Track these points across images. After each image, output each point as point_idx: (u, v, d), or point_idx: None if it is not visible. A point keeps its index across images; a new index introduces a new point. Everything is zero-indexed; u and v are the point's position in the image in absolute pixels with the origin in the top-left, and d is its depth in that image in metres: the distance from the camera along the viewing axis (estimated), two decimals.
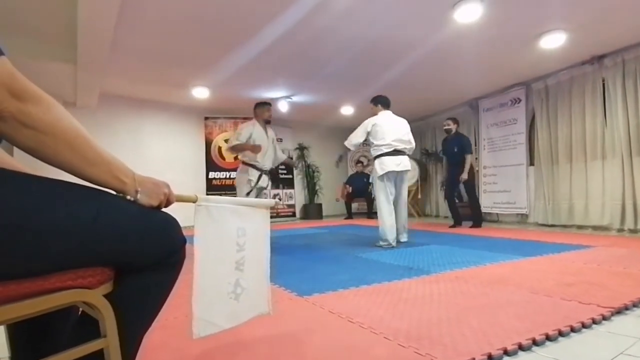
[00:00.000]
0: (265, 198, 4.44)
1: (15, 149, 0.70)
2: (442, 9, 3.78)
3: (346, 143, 4.20)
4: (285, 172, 8.77)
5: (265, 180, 4.29)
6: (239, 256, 1.11)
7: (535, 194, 6.11)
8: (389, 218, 3.96)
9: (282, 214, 8.59)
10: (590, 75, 5.28)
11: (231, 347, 1.41)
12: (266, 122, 4.29)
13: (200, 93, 6.47)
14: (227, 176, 7.58)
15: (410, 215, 8.49)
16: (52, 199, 0.67)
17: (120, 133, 6.82)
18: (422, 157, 8.76)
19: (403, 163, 4.10)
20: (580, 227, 5.39)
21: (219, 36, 4.32)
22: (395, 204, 4.14)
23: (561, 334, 1.45)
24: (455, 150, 5.77)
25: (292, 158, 4.52)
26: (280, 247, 4.10)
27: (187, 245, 0.87)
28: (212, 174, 7.69)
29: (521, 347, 1.34)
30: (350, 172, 9.32)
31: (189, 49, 4.70)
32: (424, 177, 8.52)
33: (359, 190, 8.37)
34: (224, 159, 7.75)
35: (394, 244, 3.92)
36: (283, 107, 7.09)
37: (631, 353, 1.28)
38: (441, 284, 2.27)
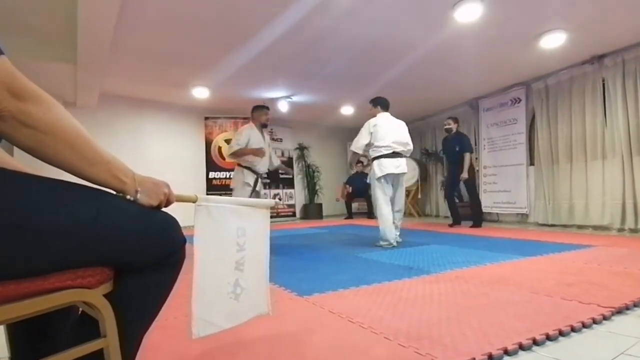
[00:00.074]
0: (264, 197, 4.46)
1: (16, 149, 0.70)
2: (442, 9, 3.78)
3: (353, 148, 4.17)
4: (285, 171, 8.77)
5: (259, 184, 4.31)
6: (238, 256, 1.11)
7: (536, 194, 6.11)
8: (389, 218, 3.98)
9: (282, 213, 8.60)
10: (591, 75, 5.28)
11: (231, 347, 1.41)
12: (263, 126, 4.30)
13: (200, 93, 6.47)
14: (227, 176, 7.58)
15: (410, 215, 8.55)
16: (52, 198, 0.67)
17: (120, 133, 6.82)
18: (422, 157, 8.76)
19: (401, 166, 4.11)
20: (580, 226, 5.39)
21: (219, 36, 4.32)
22: (392, 205, 4.16)
23: (561, 333, 1.45)
24: (457, 149, 5.77)
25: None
26: (280, 247, 4.10)
27: (187, 245, 0.87)
28: (212, 174, 7.69)
29: (521, 347, 1.34)
30: (351, 172, 9.32)
31: (189, 49, 4.70)
32: (424, 177, 8.52)
33: (359, 190, 8.37)
34: (224, 159, 7.75)
35: (394, 243, 3.93)
36: (283, 107, 7.09)
37: (632, 353, 1.28)
38: (441, 284, 2.27)
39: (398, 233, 4.19)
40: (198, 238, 1.01)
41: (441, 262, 2.97)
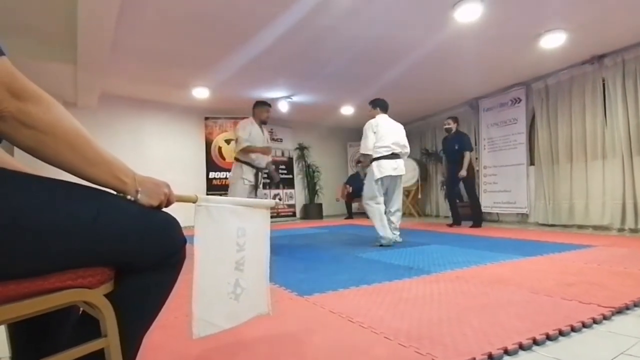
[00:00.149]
0: (264, 197, 4.46)
1: (16, 149, 0.70)
2: (442, 9, 3.78)
3: (363, 151, 4.16)
4: (285, 172, 8.78)
5: (259, 179, 4.30)
6: (238, 256, 1.11)
7: (536, 194, 6.11)
8: (383, 217, 4.05)
9: (283, 213, 8.60)
10: (591, 75, 5.28)
11: (231, 347, 1.41)
12: (262, 123, 4.30)
13: (201, 93, 6.47)
14: (228, 176, 7.58)
15: (410, 215, 8.55)
16: (52, 198, 0.67)
17: (121, 133, 6.82)
18: (422, 157, 8.76)
19: (400, 167, 4.15)
20: (580, 226, 5.39)
21: (219, 36, 4.32)
22: (391, 206, 4.22)
23: (562, 333, 1.45)
24: (456, 147, 5.78)
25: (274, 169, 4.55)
26: (280, 247, 4.10)
27: (187, 245, 0.87)
28: (212, 174, 7.70)
29: (522, 347, 1.34)
30: (351, 172, 9.33)
31: (189, 49, 4.70)
32: (424, 177, 8.52)
33: (359, 190, 8.35)
34: (224, 159, 7.76)
35: (393, 239, 4.01)
36: (283, 107, 7.09)
37: (632, 353, 1.28)
38: (441, 284, 2.27)
39: (398, 233, 4.21)
40: (198, 238, 1.01)
41: (441, 262, 2.97)
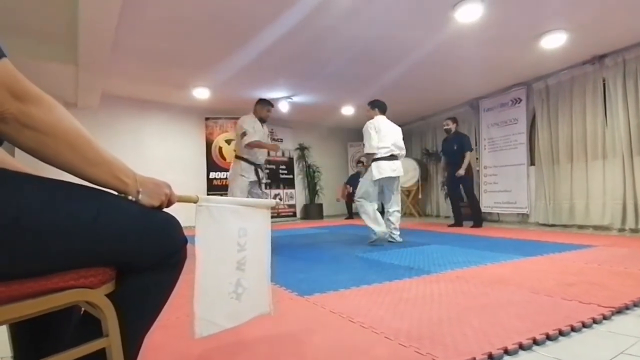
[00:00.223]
0: (264, 194, 4.48)
1: (17, 150, 0.71)
2: (442, 9, 3.79)
3: (368, 150, 4.17)
4: (286, 172, 8.79)
5: (259, 174, 4.32)
6: (240, 256, 1.11)
7: (536, 194, 6.11)
8: (376, 212, 4.12)
9: (283, 214, 8.61)
10: (591, 75, 5.28)
11: (232, 347, 1.41)
12: (261, 121, 4.33)
13: (201, 93, 6.48)
14: (228, 176, 7.58)
15: (410, 215, 8.56)
16: (52, 199, 0.68)
17: (121, 133, 6.83)
18: (423, 157, 8.76)
19: (398, 169, 4.20)
20: (581, 226, 5.39)
21: (219, 36, 4.33)
22: (389, 206, 4.26)
23: (562, 333, 1.45)
24: (455, 148, 5.79)
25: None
26: (281, 247, 4.11)
27: (189, 246, 0.87)
28: (212, 174, 7.70)
29: (522, 347, 1.34)
30: (351, 172, 9.33)
31: (189, 50, 4.71)
32: (425, 177, 8.52)
33: None
34: (224, 159, 7.76)
35: (387, 232, 4.11)
36: (284, 107, 7.10)
37: (631, 352, 1.28)
38: (442, 284, 2.27)
39: (398, 233, 4.22)
40: (199, 238, 1.01)
41: (442, 262, 2.97)
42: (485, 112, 6.98)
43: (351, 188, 8.46)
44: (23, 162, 0.92)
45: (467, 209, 6.08)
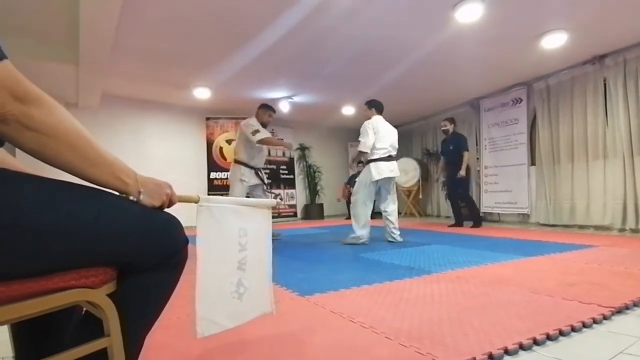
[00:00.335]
0: (267, 196, 4.54)
1: (17, 150, 0.71)
2: (443, 9, 3.79)
3: (362, 149, 4.19)
4: (286, 172, 8.79)
5: (261, 177, 4.40)
6: (241, 256, 1.11)
7: (537, 194, 6.11)
8: (369, 217, 4.21)
9: (284, 214, 8.61)
10: (592, 75, 5.28)
11: (233, 347, 1.42)
12: (263, 126, 4.42)
13: (202, 93, 6.48)
14: (228, 176, 7.59)
15: (411, 215, 8.55)
16: (52, 199, 0.68)
17: (122, 134, 6.83)
18: (424, 157, 8.75)
19: (395, 169, 4.25)
20: (581, 227, 5.39)
21: (220, 36, 4.33)
22: (387, 206, 4.28)
23: (562, 333, 1.45)
24: (451, 148, 5.84)
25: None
26: (281, 247, 4.11)
27: (190, 246, 0.87)
28: (213, 174, 7.70)
29: (522, 347, 1.34)
30: (352, 172, 9.32)
31: (190, 50, 4.71)
32: (425, 177, 8.52)
33: None
34: (225, 159, 7.77)
35: (368, 240, 4.19)
36: (284, 107, 7.09)
37: (631, 352, 1.28)
38: (442, 284, 2.28)
39: (398, 233, 4.23)
40: (200, 238, 1.02)
41: (442, 262, 2.97)
42: (486, 112, 6.97)
43: (352, 188, 8.46)
44: (24, 163, 0.92)
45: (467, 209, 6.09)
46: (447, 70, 5.65)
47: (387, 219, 4.26)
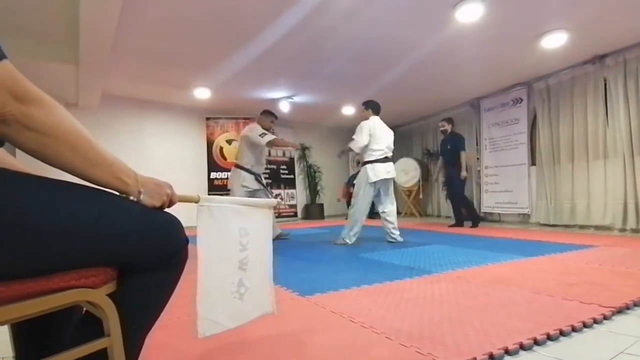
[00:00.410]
0: (267, 197, 4.56)
1: (18, 150, 0.71)
2: (443, 9, 3.78)
3: (353, 147, 4.22)
4: (286, 172, 8.79)
5: (261, 182, 4.46)
6: (242, 256, 1.11)
7: (537, 194, 6.11)
8: (361, 224, 4.24)
9: (284, 214, 8.60)
10: (592, 75, 5.27)
11: (233, 347, 1.42)
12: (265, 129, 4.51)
13: (202, 93, 6.48)
14: (229, 176, 7.59)
15: (411, 215, 8.55)
16: (52, 198, 0.68)
17: (122, 133, 6.83)
18: (424, 157, 8.75)
19: (392, 171, 4.26)
20: (582, 227, 5.39)
21: (220, 36, 4.33)
22: (384, 207, 4.30)
23: (562, 333, 1.45)
24: (449, 147, 5.87)
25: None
26: (282, 247, 4.11)
27: (190, 246, 0.87)
28: (213, 174, 7.70)
29: (522, 347, 1.34)
30: (352, 172, 9.33)
31: (190, 50, 4.71)
32: (426, 177, 8.51)
33: None
34: (225, 159, 7.77)
35: (350, 242, 4.21)
36: (284, 107, 7.10)
37: (632, 352, 1.28)
38: (443, 284, 2.27)
39: (398, 232, 4.24)
40: (201, 238, 1.01)
41: (442, 262, 2.97)
42: (486, 112, 6.97)
43: (352, 188, 8.45)
44: (24, 163, 0.92)
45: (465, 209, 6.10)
46: (447, 70, 5.64)
47: (386, 219, 4.27)
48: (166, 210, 0.85)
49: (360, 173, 4.31)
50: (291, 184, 8.85)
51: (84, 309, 0.80)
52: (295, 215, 8.83)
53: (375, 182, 4.12)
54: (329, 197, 9.30)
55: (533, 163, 6.25)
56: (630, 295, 1.85)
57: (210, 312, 1.02)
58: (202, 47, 4.64)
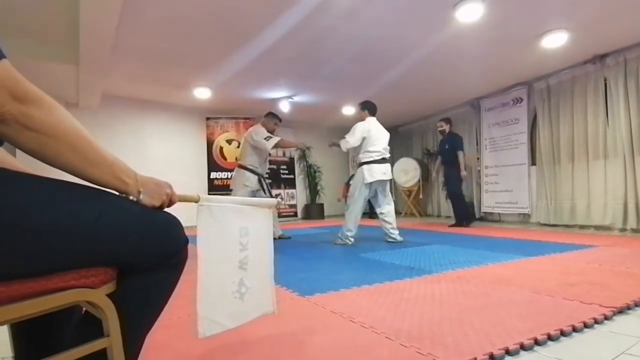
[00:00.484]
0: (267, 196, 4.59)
1: (18, 150, 0.71)
2: (443, 9, 3.78)
3: (343, 144, 4.26)
4: (287, 172, 8.79)
5: (263, 184, 4.49)
6: (242, 255, 1.11)
7: (537, 194, 6.10)
8: (358, 219, 4.25)
9: (284, 214, 8.60)
10: (592, 75, 5.27)
11: (233, 347, 1.41)
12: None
13: (202, 93, 6.48)
14: (229, 176, 7.58)
15: (411, 215, 8.55)
16: (52, 198, 0.68)
17: (122, 133, 6.83)
18: (424, 157, 8.75)
19: (388, 172, 4.26)
20: (582, 226, 5.38)
21: (220, 36, 4.33)
22: (382, 207, 4.31)
23: (563, 333, 1.45)
24: (447, 147, 5.91)
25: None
26: (282, 247, 4.11)
27: (190, 245, 0.87)
28: (213, 174, 7.70)
29: (523, 347, 1.34)
30: (352, 172, 9.33)
31: (190, 50, 4.71)
32: (426, 177, 8.51)
33: None
34: (225, 159, 7.77)
35: (352, 241, 4.24)
36: (285, 107, 7.09)
37: (633, 352, 1.28)
38: (443, 284, 2.27)
39: (397, 232, 4.24)
40: (201, 238, 1.01)
41: (443, 262, 2.97)
42: (487, 112, 6.97)
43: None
44: (24, 163, 0.92)
45: (468, 209, 6.12)
46: (447, 70, 5.64)
47: (384, 220, 4.28)
48: (166, 210, 0.85)
49: (356, 174, 4.33)
50: (291, 183, 8.85)
51: (84, 309, 0.80)
52: (295, 215, 8.83)
53: (371, 183, 4.12)
54: (329, 197, 9.30)
55: (533, 163, 6.25)
56: (631, 296, 1.85)
57: (211, 312, 1.02)
58: (202, 47, 4.64)
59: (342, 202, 9.11)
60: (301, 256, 3.56)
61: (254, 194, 4.49)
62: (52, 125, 0.66)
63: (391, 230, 4.24)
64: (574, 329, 1.48)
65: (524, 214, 6.36)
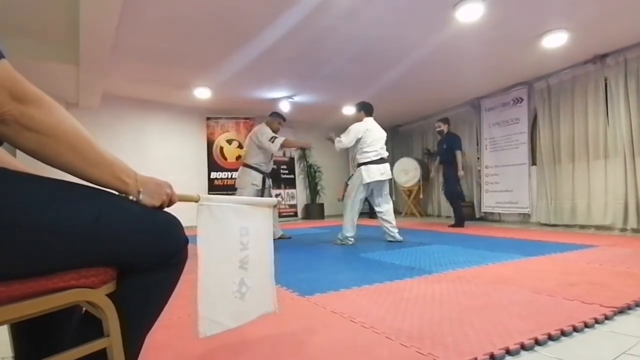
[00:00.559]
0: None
1: (17, 150, 0.71)
2: (443, 9, 3.78)
3: (337, 143, 4.27)
4: (287, 172, 8.78)
5: (266, 183, 4.52)
6: (242, 255, 1.11)
7: (538, 194, 6.10)
8: (356, 218, 4.25)
9: (284, 214, 8.60)
10: (593, 75, 5.27)
11: (233, 347, 1.41)
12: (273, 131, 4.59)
13: (202, 93, 6.48)
14: (229, 176, 7.60)
15: (412, 215, 8.55)
16: (52, 198, 0.68)
17: (122, 134, 6.83)
18: (424, 157, 8.74)
19: (387, 172, 4.26)
20: (582, 226, 5.38)
21: (220, 36, 4.33)
22: (381, 207, 4.31)
23: (564, 333, 1.45)
24: (445, 147, 5.92)
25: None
26: (282, 247, 4.11)
27: (190, 245, 0.87)
28: (213, 174, 7.69)
29: (523, 347, 1.34)
30: (352, 172, 9.32)
31: (190, 50, 4.71)
32: (426, 177, 8.50)
33: None
34: (225, 159, 7.76)
35: (354, 240, 4.25)
36: (285, 107, 7.10)
37: (634, 352, 1.28)
38: (443, 284, 2.27)
39: (396, 231, 4.24)
40: (201, 238, 1.01)
41: (443, 262, 2.97)
42: (487, 112, 6.96)
43: None
44: (24, 162, 0.91)
45: (468, 208, 6.11)
46: (447, 70, 5.64)
47: (383, 219, 4.28)
48: (166, 210, 0.85)
49: (354, 174, 4.33)
50: (291, 183, 8.85)
51: (84, 309, 0.80)
52: (296, 215, 8.83)
53: (368, 184, 4.13)
54: (329, 196, 9.30)
55: (533, 163, 6.24)
56: (632, 295, 1.85)
57: (211, 311, 1.01)
58: (202, 47, 4.64)
59: (342, 201, 9.12)
60: (301, 256, 3.56)
61: (259, 193, 4.51)
62: (51, 126, 0.66)
63: (391, 229, 4.25)
64: (575, 329, 1.48)
65: (524, 214, 6.36)
